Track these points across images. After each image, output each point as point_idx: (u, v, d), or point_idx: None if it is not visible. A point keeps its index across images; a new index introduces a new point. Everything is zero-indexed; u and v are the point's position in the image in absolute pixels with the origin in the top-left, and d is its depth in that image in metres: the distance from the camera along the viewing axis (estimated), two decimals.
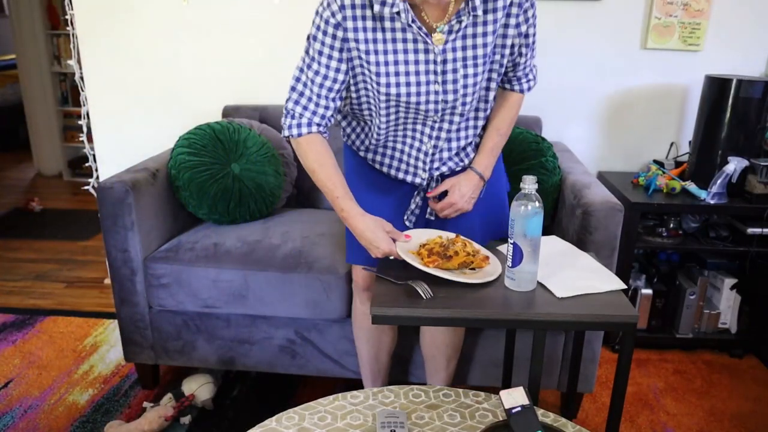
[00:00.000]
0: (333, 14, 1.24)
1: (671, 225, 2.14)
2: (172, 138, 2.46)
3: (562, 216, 1.87)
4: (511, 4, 1.27)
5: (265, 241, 1.85)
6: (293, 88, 1.35)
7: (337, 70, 1.30)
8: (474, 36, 1.28)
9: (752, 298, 2.23)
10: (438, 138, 1.40)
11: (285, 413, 1.18)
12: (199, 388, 1.88)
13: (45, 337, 2.28)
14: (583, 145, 2.42)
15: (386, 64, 1.27)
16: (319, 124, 1.35)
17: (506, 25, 1.30)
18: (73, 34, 2.45)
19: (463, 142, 1.44)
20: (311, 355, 1.84)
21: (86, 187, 2.59)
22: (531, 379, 1.28)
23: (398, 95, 1.30)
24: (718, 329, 2.26)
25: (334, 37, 1.26)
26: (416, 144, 1.42)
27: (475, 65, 1.30)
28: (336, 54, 1.28)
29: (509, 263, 1.24)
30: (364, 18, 1.24)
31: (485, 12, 1.26)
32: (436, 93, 1.31)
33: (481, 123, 1.44)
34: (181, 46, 2.42)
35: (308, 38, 1.30)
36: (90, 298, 2.62)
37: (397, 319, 1.19)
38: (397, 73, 1.28)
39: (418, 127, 1.39)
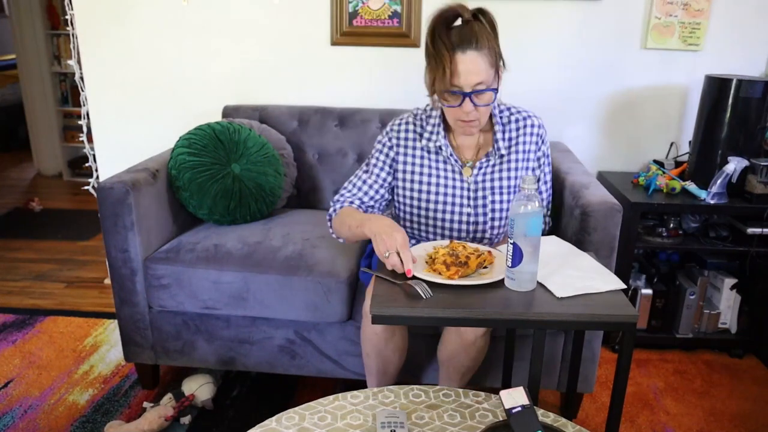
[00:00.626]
0: (390, 139, 1.59)
1: (671, 225, 2.14)
2: (172, 138, 2.45)
3: (561, 216, 1.87)
4: (532, 134, 1.57)
5: (265, 242, 1.85)
6: (344, 187, 1.62)
7: (378, 178, 1.59)
8: (500, 170, 1.57)
9: (752, 298, 2.23)
10: None
11: (285, 413, 1.18)
12: (199, 388, 1.88)
13: (45, 337, 2.28)
14: (583, 145, 2.42)
15: (428, 184, 1.57)
16: (352, 203, 1.57)
17: (528, 151, 1.58)
18: (73, 34, 2.45)
19: None
20: (311, 355, 1.84)
21: (86, 187, 2.59)
22: (531, 379, 1.28)
23: (435, 211, 1.57)
24: (718, 329, 2.26)
25: (387, 155, 1.59)
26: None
27: (501, 193, 1.57)
28: (386, 167, 1.59)
29: (509, 263, 1.24)
30: (414, 148, 1.57)
31: (509, 153, 1.57)
32: (468, 215, 1.57)
33: None
34: (181, 46, 2.42)
35: (368, 156, 1.63)
36: (90, 298, 2.62)
37: (397, 319, 1.19)
38: (437, 193, 1.57)
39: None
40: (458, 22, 1.41)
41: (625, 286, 1.29)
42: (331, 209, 1.59)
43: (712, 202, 2.06)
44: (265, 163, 2.02)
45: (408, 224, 1.64)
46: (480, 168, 1.56)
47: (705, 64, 2.29)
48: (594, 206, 1.64)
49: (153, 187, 1.86)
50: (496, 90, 1.44)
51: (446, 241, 1.43)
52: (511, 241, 1.22)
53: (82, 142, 2.59)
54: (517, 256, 1.22)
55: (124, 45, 2.43)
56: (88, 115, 2.55)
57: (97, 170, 2.62)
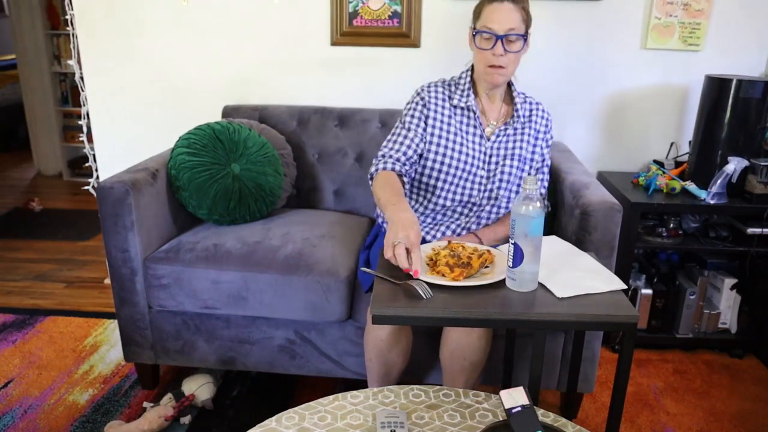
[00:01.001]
0: (422, 98, 1.71)
1: (671, 225, 2.14)
2: (172, 138, 2.45)
3: (561, 216, 1.87)
4: (542, 117, 1.75)
5: (265, 242, 1.85)
6: (384, 146, 1.70)
7: (416, 134, 1.68)
8: (515, 140, 1.72)
9: (752, 298, 2.23)
10: (471, 221, 1.74)
11: (285, 413, 1.18)
12: (199, 388, 1.88)
13: (45, 337, 2.28)
14: (583, 145, 2.42)
15: (453, 142, 1.68)
16: (393, 167, 1.63)
17: (537, 131, 1.74)
18: (73, 34, 2.45)
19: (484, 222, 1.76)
20: (311, 355, 1.84)
21: (86, 187, 2.59)
22: (531, 379, 1.28)
23: (450, 168, 1.68)
24: (718, 329, 2.26)
25: (421, 111, 1.70)
26: (452, 225, 1.74)
27: (513, 159, 1.70)
28: (421, 123, 1.69)
29: (510, 263, 1.24)
30: (443, 107, 1.70)
31: (523, 126, 1.73)
32: (482, 177, 1.70)
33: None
34: (181, 46, 2.42)
35: (402, 115, 1.73)
36: (90, 298, 2.62)
37: (398, 319, 1.19)
38: (459, 152, 1.68)
39: (459, 209, 1.73)
40: None
41: (625, 287, 1.29)
42: (373, 168, 1.66)
43: (712, 202, 2.06)
44: (264, 163, 2.02)
45: (422, 181, 1.73)
46: (498, 135, 1.71)
47: (705, 64, 2.29)
48: (594, 206, 1.64)
49: (153, 187, 1.86)
50: (525, 39, 1.61)
51: (444, 242, 1.43)
52: (512, 242, 1.22)
53: (82, 142, 2.59)
54: (518, 257, 1.22)
55: (124, 45, 2.43)
56: (88, 115, 2.55)
57: (97, 170, 2.62)
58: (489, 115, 1.73)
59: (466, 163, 1.68)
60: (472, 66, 1.71)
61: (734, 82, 2.02)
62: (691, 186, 2.12)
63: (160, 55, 2.43)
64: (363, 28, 2.33)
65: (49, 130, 4.43)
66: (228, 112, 2.33)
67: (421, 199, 1.75)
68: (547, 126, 1.76)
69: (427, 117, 1.69)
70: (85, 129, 2.57)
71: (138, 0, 2.37)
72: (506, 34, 1.56)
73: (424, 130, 1.69)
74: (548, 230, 1.84)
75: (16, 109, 4.97)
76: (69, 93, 4.38)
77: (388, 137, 1.71)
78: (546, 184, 1.79)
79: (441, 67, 2.30)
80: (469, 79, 1.71)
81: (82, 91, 2.51)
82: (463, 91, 1.70)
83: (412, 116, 1.70)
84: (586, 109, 2.38)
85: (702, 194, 2.08)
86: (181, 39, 2.40)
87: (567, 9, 2.26)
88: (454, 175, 1.69)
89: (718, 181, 2.04)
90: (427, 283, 1.24)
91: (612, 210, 1.63)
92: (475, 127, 1.70)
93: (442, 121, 1.69)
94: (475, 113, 1.69)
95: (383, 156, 1.66)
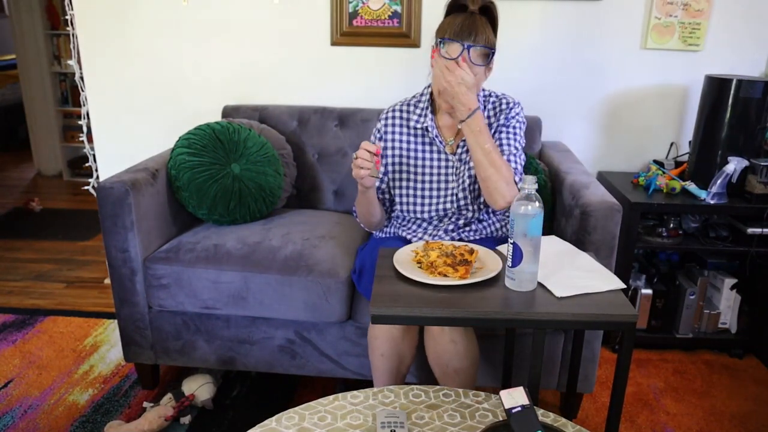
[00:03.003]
0: (377, 130, 1.75)
1: (671, 225, 2.14)
2: (172, 138, 2.45)
3: (561, 216, 1.87)
4: (505, 107, 1.68)
5: (265, 242, 1.85)
6: None
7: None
8: None
9: (752, 298, 2.23)
10: (459, 222, 1.73)
11: (285, 413, 1.18)
12: (199, 388, 1.88)
13: (45, 337, 2.28)
14: (583, 145, 2.42)
15: (415, 166, 1.70)
16: None
17: (500, 123, 1.68)
18: (73, 34, 2.45)
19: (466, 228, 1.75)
20: (311, 355, 1.84)
21: (86, 187, 2.59)
22: (531, 379, 1.28)
23: (423, 189, 1.70)
24: (718, 329, 2.26)
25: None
26: (441, 227, 1.74)
27: None
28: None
29: (509, 263, 1.24)
30: (401, 133, 1.71)
31: (492, 123, 1.68)
32: (453, 189, 1.69)
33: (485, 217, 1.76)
34: (181, 46, 2.42)
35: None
36: (90, 298, 2.62)
37: (398, 318, 1.19)
38: (423, 173, 1.70)
39: (439, 217, 1.73)
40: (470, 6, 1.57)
41: (624, 286, 1.29)
42: (354, 209, 1.76)
43: (712, 202, 2.06)
44: (264, 163, 2.02)
45: (399, 206, 1.75)
46: (462, 146, 1.68)
47: (705, 64, 2.29)
48: (594, 206, 1.64)
49: (153, 187, 1.86)
50: (489, 60, 1.58)
51: (420, 242, 1.45)
52: (511, 241, 1.22)
53: (82, 142, 2.59)
54: (517, 256, 1.22)
55: (124, 45, 2.43)
56: (88, 115, 2.55)
57: (97, 170, 2.62)
58: (447, 133, 1.71)
59: (431, 182, 1.70)
60: None
61: (734, 82, 2.02)
62: (691, 186, 2.12)
63: (160, 55, 2.43)
64: (363, 28, 2.33)
65: (49, 130, 4.43)
66: (228, 112, 2.34)
67: (404, 213, 1.76)
68: (507, 111, 1.68)
69: (384, 149, 1.72)
70: (85, 129, 2.57)
71: (138, 0, 2.37)
72: (472, 45, 1.53)
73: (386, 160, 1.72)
74: (548, 230, 1.85)
75: (16, 109, 4.97)
76: (69, 93, 4.39)
77: None
78: (518, 167, 1.67)
79: None
80: (428, 97, 1.70)
81: (82, 91, 2.51)
82: (422, 110, 1.70)
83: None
84: (586, 109, 2.38)
85: (702, 194, 2.07)
86: (181, 39, 2.41)
87: (567, 9, 2.26)
88: (423, 196, 1.71)
89: (718, 181, 2.04)
90: (432, 286, 1.24)
91: (612, 210, 1.63)
92: (435, 145, 1.69)
93: (401, 148, 1.71)
94: (435, 135, 1.67)
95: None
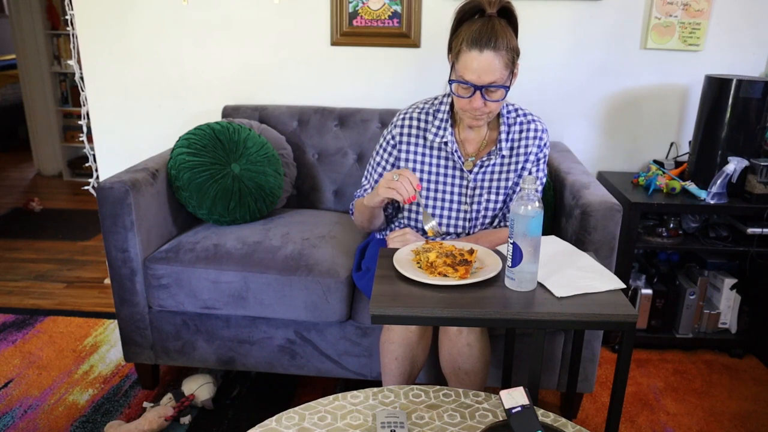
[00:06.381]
0: (393, 137, 1.64)
1: (671, 225, 2.14)
2: (172, 138, 2.46)
3: (561, 216, 1.87)
4: (535, 137, 1.60)
5: (265, 242, 1.85)
6: (360, 185, 1.75)
7: (384, 173, 1.65)
8: (500, 171, 1.61)
9: (752, 298, 2.23)
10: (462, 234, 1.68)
11: (285, 413, 1.18)
12: (199, 388, 1.88)
13: (45, 337, 2.28)
14: (583, 145, 2.42)
15: (428, 182, 1.62)
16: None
17: (528, 154, 1.61)
18: (73, 34, 2.45)
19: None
20: (311, 355, 1.84)
21: (86, 187, 2.59)
22: (531, 379, 1.28)
23: (434, 207, 1.62)
24: (718, 329, 2.26)
25: (390, 153, 1.66)
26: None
27: (497, 194, 1.62)
28: (388, 166, 1.67)
29: (509, 263, 1.24)
30: (416, 144, 1.62)
31: (510, 155, 1.60)
32: (465, 212, 1.63)
33: None
34: (181, 46, 2.42)
35: (376, 148, 1.70)
36: (90, 298, 2.62)
37: (398, 319, 1.19)
38: (436, 190, 1.62)
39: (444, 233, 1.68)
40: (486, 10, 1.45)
41: (624, 286, 1.29)
42: (350, 208, 1.75)
43: (712, 202, 2.06)
44: (264, 163, 2.02)
45: (406, 220, 1.70)
46: (481, 166, 1.60)
47: (705, 64, 2.29)
48: (594, 206, 1.64)
49: (153, 187, 1.86)
50: (507, 88, 1.46)
51: (420, 243, 1.44)
52: (511, 241, 1.22)
53: (82, 142, 2.59)
54: (517, 256, 1.22)
55: (124, 45, 2.43)
56: (88, 115, 2.55)
57: (97, 170, 2.62)
58: (469, 147, 1.62)
59: (444, 200, 1.62)
60: None
61: (734, 82, 2.02)
62: (691, 186, 2.12)
63: (160, 55, 2.43)
64: (363, 28, 2.33)
65: (49, 130, 4.43)
66: (228, 112, 2.34)
67: (411, 226, 1.71)
68: (539, 147, 1.60)
69: (398, 159, 1.64)
70: (85, 129, 2.57)
71: (138, 0, 2.37)
72: (485, 86, 1.41)
73: (395, 168, 1.65)
74: (548, 230, 1.85)
75: (16, 109, 4.97)
76: (69, 93, 4.38)
77: (365, 174, 1.74)
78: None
79: (441, 67, 2.29)
80: (448, 107, 1.60)
81: (82, 91, 2.51)
82: (441, 122, 1.59)
83: (381, 157, 1.67)
84: (586, 109, 2.38)
85: (702, 194, 2.07)
86: (181, 39, 2.40)
87: (567, 9, 2.26)
88: (434, 215, 1.63)
89: (718, 181, 2.04)
90: (432, 286, 1.24)
91: (612, 210, 1.63)
92: (453, 161, 1.60)
93: (415, 161, 1.62)
94: (455, 150, 1.59)
95: (356, 196, 1.74)
